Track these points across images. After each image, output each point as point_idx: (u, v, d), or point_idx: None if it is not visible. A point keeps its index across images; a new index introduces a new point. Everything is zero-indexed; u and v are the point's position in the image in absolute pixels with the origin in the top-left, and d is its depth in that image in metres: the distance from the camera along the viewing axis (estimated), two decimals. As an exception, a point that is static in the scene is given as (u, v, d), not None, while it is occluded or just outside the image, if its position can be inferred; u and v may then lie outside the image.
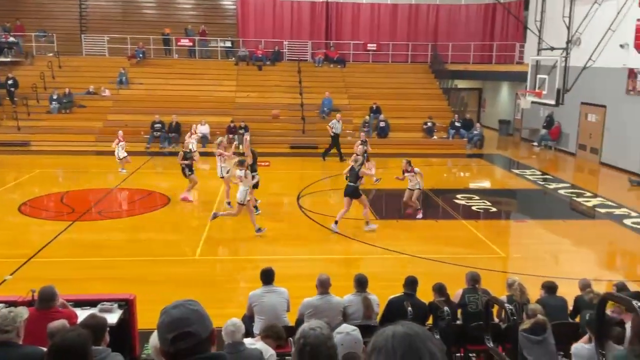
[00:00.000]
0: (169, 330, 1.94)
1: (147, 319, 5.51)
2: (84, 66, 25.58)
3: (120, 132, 17.48)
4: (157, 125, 21.60)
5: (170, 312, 1.97)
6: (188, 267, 9.80)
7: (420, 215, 12.84)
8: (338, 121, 19.82)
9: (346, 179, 11.83)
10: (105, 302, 5.90)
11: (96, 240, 11.15)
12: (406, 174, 12.73)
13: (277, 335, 4.98)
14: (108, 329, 4.43)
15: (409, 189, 12.77)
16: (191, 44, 27.06)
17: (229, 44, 27.67)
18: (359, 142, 15.53)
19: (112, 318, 5.60)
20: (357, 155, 12.46)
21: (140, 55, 25.70)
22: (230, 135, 18.93)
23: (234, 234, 11.73)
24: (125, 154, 17.15)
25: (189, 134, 17.10)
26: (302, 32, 27.79)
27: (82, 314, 5.27)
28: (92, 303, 5.92)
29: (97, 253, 10.33)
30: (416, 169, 12.64)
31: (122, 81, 24.16)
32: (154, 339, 3.61)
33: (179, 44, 27.07)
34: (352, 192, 11.49)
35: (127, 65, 25.18)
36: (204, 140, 21.46)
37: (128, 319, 6.03)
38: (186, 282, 9.05)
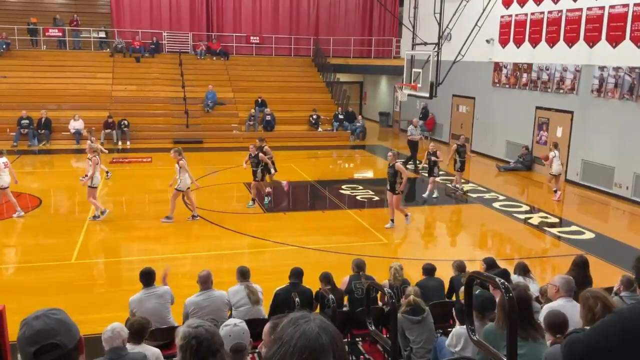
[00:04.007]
0: (30, 344, 1.79)
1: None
2: (-63, 58, 23.11)
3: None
4: (25, 122, 20.05)
5: (32, 324, 1.82)
6: (64, 272, 9.21)
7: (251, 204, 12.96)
8: (415, 127, 18.21)
9: None
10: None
11: (-44, 248, 10.14)
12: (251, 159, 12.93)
13: (135, 332, 4.80)
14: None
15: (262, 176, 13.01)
16: (60, 34, 25.33)
17: (102, 34, 26.25)
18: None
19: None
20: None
21: (4, 46, 23.64)
22: None
23: (113, 234, 11.19)
24: None
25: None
26: (182, 23, 26.99)
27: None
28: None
29: (-43, 263, 9.40)
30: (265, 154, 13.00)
31: (-17, 74, 22.13)
32: None
33: (47, 34, 25.24)
34: None
35: (-12, 57, 23.12)
36: (77, 136, 20.30)
37: (-3, 331, 5.54)
38: (63, 288, 8.51)
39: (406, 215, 12.02)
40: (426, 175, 14.94)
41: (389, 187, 11.76)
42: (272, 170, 13.85)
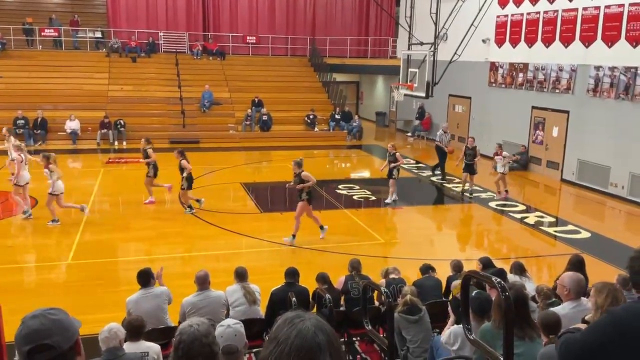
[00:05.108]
0: (25, 343, 1.80)
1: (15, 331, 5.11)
2: None
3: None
4: (20, 122, 20.01)
5: (28, 323, 1.83)
6: (61, 273, 9.20)
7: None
8: (445, 132, 16.55)
9: None
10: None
11: (-48, 249, 10.11)
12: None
13: (134, 329, 4.81)
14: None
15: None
16: (56, 34, 25.26)
17: (99, 34, 26.19)
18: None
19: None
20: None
21: (0, 46, 23.61)
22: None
23: (109, 235, 11.17)
24: None
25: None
26: (178, 23, 26.96)
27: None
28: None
29: (-47, 263, 9.37)
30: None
31: (-22, 74, 22.05)
32: None
33: (43, 34, 25.17)
34: None
35: (-17, 57, 23.04)
36: (73, 136, 20.27)
37: (-8, 331, 5.53)
38: (59, 288, 8.50)
39: (321, 227, 10.94)
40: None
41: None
42: (152, 173, 13.14)
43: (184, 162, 12.24)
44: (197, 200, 12.64)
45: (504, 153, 14.43)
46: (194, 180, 12.59)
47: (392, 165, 13.55)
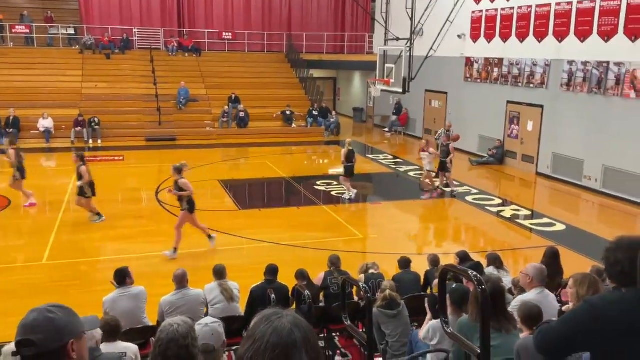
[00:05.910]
0: (17, 334, 1.85)
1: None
2: None
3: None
4: (-8, 121, 19.59)
5: (27, 315, 1.88)
6: (35, 274, 9.04)
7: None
8: (448, 131, 15.90)
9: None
10: None
11: None
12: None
13: (111, 329, 4.76)
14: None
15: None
16: (28, 31, 24.76)
17: (72, 31, 25.74)
18: None
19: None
20: None
21: (-32, 43, 23.06)
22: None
23: (85, 234, 11.01)
24: None
25: None
26: (152, 19, 26.63)
27: None
28: None
29: None
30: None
31: (-54, 72, 21.52)
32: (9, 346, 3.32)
33: (14, 30, 24.65)
34: None
35: (-49, 54, 22.50)
36: (46, 135, 19.92)
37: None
38: (34, 289, 8.34)
39: (210, 237, 10.22)
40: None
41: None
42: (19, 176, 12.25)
43: (83, 168, 11.21)
44: (97, 214, 11.63)
45: (431, 149, 14.31)
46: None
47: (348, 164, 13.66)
